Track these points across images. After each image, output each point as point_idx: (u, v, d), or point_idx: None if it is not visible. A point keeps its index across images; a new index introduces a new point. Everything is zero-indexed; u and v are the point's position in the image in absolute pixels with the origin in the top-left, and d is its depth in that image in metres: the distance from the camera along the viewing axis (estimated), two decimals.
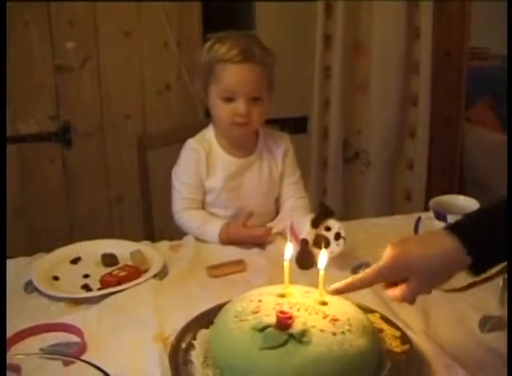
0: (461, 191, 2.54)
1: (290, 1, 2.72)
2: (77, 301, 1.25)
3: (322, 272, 1.00)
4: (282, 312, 0.92)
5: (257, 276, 1.35)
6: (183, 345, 1.01)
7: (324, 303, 0.97)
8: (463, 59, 2.93)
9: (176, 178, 1.66)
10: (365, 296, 1.22)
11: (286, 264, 1.03)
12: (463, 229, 0.95)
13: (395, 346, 1.02)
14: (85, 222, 2.61)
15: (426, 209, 1.66)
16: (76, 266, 1.42)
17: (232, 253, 1.48)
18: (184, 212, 1.63)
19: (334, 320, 0.93)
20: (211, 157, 1.65)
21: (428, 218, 1.57)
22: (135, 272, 1.34)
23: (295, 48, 2.74)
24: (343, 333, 0.91)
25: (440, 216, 1.54)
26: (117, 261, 1.42)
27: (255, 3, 2.72)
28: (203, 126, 1.71)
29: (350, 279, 0.98)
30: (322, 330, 0.90)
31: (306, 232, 1.42)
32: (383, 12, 2.68)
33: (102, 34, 2.48)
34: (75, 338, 1.09)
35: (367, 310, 1.09)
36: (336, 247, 1.39)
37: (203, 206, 1.67)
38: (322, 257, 1.02)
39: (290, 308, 0.95)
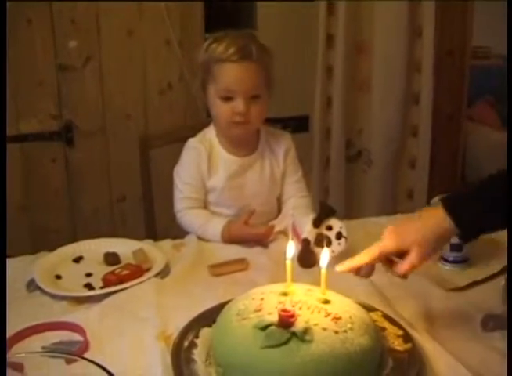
0: None
1: (292, 1, 2.72)
2: (79, 300, 1.25)
3: (324, 271, 1.00)
4: (284, 310, 0.92)
5: (260, 274, 1.35)
6: (185, 344, 1.01)
7: (326, 301, 0.97)
8: (464, 58, 2.93)
9: (178, 178, 1.67)
10: (368, 295, 1.22)
11: (288, 262, 1.03)
12: (453, 202, 1.07)
13: (397, 345, 1.02)
14: (88, 221, 2.61)
15: None
16: (78, 265, 1.43)
17: (235, 252, 1.49)
18: (186, 212, 1.63)
19: (336, 319, 0.93)
20: (213, 157, 1.65)
21: None
22: (137, 271, 1.34)
23: (296, 47, 2.74)
24: (345, 331, 0.91)
25: None
26: (120, 260, 1.42)
27: (256, 3, 2.72)
28: (205, 125, 1.71)
29: (355, 258, 1.08)
30: (324, 329, 0.90)
31: (307, 231, 1.42)
32: (385, 11, 2.68)
33: (104, 33, 2.48)
34: (77, 337, 1.09)
35: (369, 309, 1.09)
36: (337, 246, 1.40)
37: (205, 205, 1.67)
38: (324, 256, 1.02)
39: (293, 306, 0.95)
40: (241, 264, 1.40)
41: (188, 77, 2.52)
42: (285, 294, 0.99)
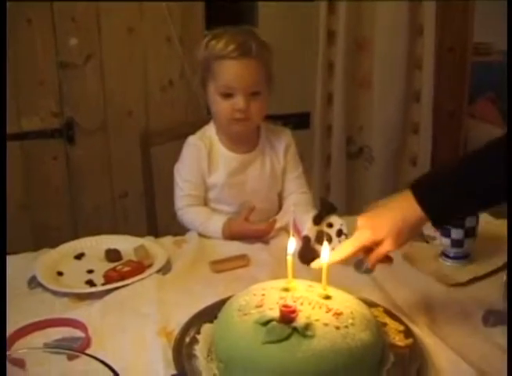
0: None
1: (292, 1, 2.72)
2: (81, 297, 1.25)
3: (324, 267, 1.00)
4: (285, 306, 0.92)
5: (261, 270, 1.35)
6: (187, 340, 1.02)
7: (328, 297, 0.97)
8: (466, 54, 2.92)
9: (178, 176, 1.67)
10: (369, 290, 1.22)
11: (289, 258, 1.03)
12: (423, 188, 1.08)
13: (399, 340, 1.02)
14: (89, 218, 2.61)
15: None
16: (80, 262, 1.43)
17: (236, 248, 1.49)
18: (186, 209, 1.63)
19: (338, 314, 0.93)
20: (213, 154, 1.65)
21: None
22: (138, 268, 1.34)
23: (297, 44, 2.74)
24: (346, 327, 0.91)
25: None
26: (121, 256, 1.43)
27: (258, 3, 2.72)
28: (207, 122, 1.71)
29: (334, 255, 1.07)
30: (325, 324, 0.91)
31: (308, 229, 1.42)
32: (386, 8, 2.68)
33: (105, 30, 2.48)
34: (79, 333, 1.09)
35: (371, 304, 1.09)
36: (338, 243, 1.39)
37: (205, 202, 1.67)
38: (325, 252, 1.02)
39: (294, 302, 0.95)
40: (242, 260, 1.40)
41: (189, 74, 2.51)
42: (286, 289, 1.00)
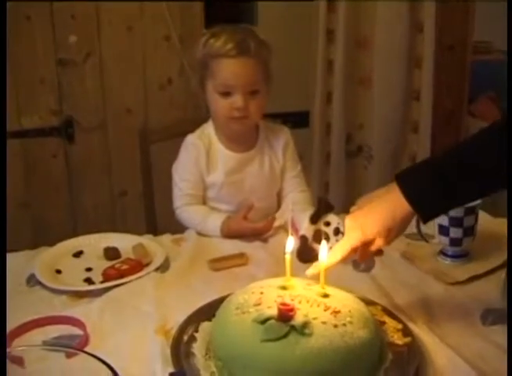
0: None
1: (292, 0, 2.72)
2: (79, 295, 1.25)
3: (323, 265, 1.00)
4: (283, 304, 0.93)
5: (259, 269, 1.35)
6: (185, 338, 1.02)
7: (326, 295, 0.97)
8: (466, 53, 2.92)
9: (176, 175, 1.67)
10: (368, 289, 1.22)
11: (287, 257, 1.03)
12: (409, 182, 1.04)
13: (397, 338, 1.02)
14: (88, 216, 2.62)
15: None
16: (78, 260, 1.43)
17: (234, 246, 1.49)
18: (185, 208, 1.64)
19: (336, 312, 0.93)
20: (211, 153, 1.64)
21: None
22: (137, 266, 1.34)
23: (296, 42, 2.74)
24: (344, 325, 0.91)
25: None
26: (120, 254, 1.43)
27: (257, 2, 2.72)
28: (205, 120, 1.71)
29: (328, 260, 1.04)
30: (323, 322, 0.90)
31: (305, 228, 1.41)
32: (386, 6, 2.67)
33: (104, 28, 2.48)
34: (78, 331, 1.09)
35: (369, 302, 1.09)
36: (335, 242, 1.39)
37: (204, 201, 1.67)
38: (323, 250, 1.02)
39: (292, 300, 0.95)
40: (241, 259, 1.40)
41: (188, 73, 2.51)
42: (284, 288, 1.00)
